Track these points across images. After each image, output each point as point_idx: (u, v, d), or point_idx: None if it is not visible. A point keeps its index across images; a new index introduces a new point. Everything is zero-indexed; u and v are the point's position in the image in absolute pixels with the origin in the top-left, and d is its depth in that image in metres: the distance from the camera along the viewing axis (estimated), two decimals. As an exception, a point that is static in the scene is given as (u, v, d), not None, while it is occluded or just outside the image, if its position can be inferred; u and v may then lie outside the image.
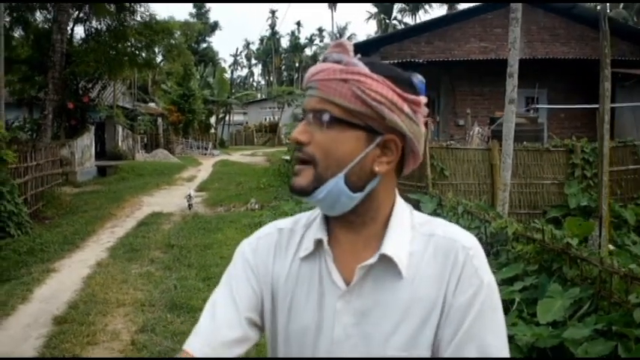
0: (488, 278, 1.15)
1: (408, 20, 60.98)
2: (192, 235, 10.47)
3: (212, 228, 11.15)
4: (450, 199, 7.75)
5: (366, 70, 1.10)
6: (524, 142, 9.45)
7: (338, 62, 1.11)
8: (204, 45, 59.39)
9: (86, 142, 21.99)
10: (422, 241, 1.16)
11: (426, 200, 8.19)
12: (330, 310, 1.16)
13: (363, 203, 1.16)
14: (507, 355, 1.12)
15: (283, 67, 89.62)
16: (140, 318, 5.94)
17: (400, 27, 57.78)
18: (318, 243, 1.19)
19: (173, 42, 23.25)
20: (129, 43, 22.19)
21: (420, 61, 12.65)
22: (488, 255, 5.98)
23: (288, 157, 20.18)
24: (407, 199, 5.42)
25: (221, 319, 1.20)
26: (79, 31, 22.39)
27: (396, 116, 1.11)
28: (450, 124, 14.99)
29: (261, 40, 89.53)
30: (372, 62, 1.12)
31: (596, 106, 13.31)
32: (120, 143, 28.67)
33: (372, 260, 1.13)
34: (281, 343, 1.23)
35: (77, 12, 21.18)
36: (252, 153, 38.55)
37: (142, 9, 21.76)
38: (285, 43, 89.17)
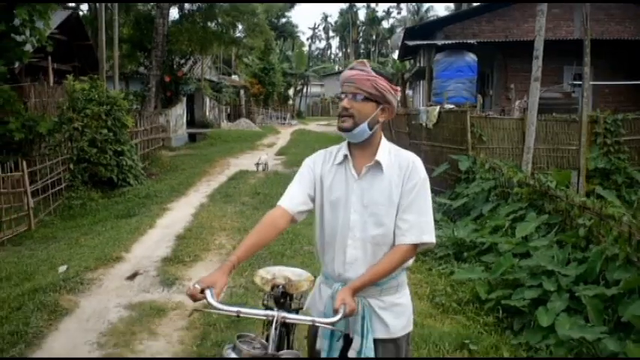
0: (423, 174, 2.33)
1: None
2: (274, 186, 12.66)
3: (290, 181, 13.18)
4: (482, 158, 9.51)
5: (375, 74, 2.27)
6: (553, 113, 10.95)
7: (361, 70, 2.28)
8: (284, 20, 61.26)
9: (179, 111, 24.59)
10: (393, 156, 2.36)
11: (463, 159, 9.87)
12: (350, 188, 2.35)
13: (370, 136, 2.32)
14: (431, 214, 2.33)
15: (360, 39, 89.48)
16: (238, 237, 8.09)
17: (474, 3, 57.14)
18: (345, 156, 2.38)
19: (256, 21, 25.26)
20: (217, 22, 24.49)
21: (473, 42, 14.02)
22: (501, 198, 7.79)
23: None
24: (450, 160, 8.22)
25: (293, 191, 2.41)
26: (173, 13, 24.60)
27: (389, 96, 2.30)
28: (501, 97, 16.16)
29: (341, 13, 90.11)
30: (377, 70, 2.30)
31: (629, 82, 14.40)
32: (207, 113, 31.34)
33: (371, 163, 2.32)
34: (327, 206, 2.39)
35: (173, -5, 23.53)
36: (328, 123, 40.59)
37: (229, -9, 23.88)
38: (362, 16, 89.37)
